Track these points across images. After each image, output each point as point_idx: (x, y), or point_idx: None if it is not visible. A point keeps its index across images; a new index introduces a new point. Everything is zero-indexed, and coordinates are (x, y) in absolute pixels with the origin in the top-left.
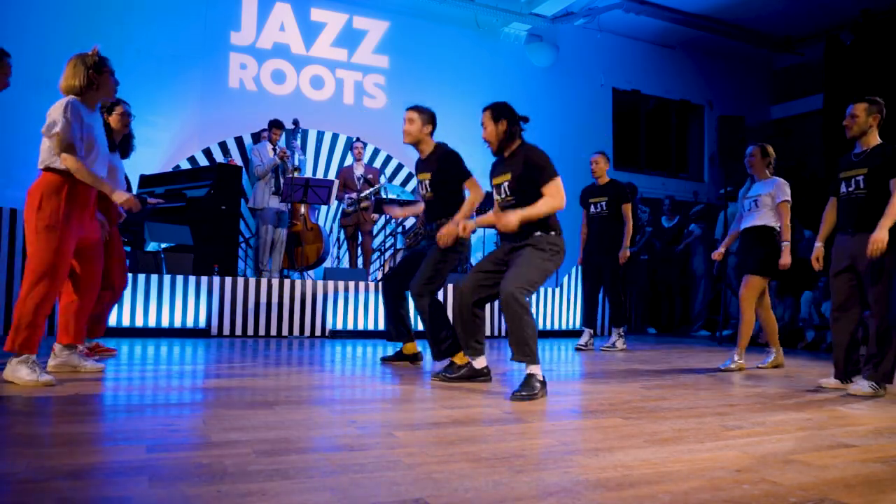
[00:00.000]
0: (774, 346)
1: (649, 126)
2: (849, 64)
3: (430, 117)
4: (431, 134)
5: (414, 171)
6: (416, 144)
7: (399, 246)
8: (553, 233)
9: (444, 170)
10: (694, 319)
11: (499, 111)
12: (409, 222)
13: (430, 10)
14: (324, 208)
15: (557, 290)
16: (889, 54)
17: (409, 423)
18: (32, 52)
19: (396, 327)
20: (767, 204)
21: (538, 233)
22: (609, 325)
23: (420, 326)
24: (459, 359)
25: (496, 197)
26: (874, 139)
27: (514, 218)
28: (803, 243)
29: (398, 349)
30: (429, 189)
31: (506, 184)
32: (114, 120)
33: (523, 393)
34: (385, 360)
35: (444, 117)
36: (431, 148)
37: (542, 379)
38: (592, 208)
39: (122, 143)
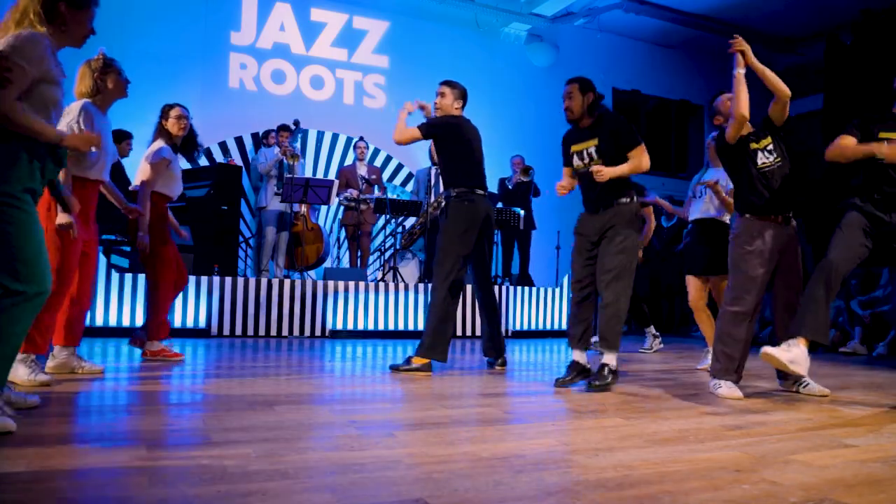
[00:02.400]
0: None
1: (649, 126)
2: (849, 64)
3: (460, 93)
4: (461, 109)
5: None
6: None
7: (398, 246)
8: (636, 199)
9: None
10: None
11: (586, 85)
12: (409, 222)
13: (430, 10)
14: (324, 208)
15: (558, 290)
16: (889, 54)
17: (409, 423)
18: None
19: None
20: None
21: (624, 199)
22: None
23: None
24: (418, 360)
25: (577, 163)
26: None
27: (607, 171)
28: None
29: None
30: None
31: (592, 148)
32: (171, 124)
33: (596, 383)
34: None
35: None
36: None
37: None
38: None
39: (186, 145)
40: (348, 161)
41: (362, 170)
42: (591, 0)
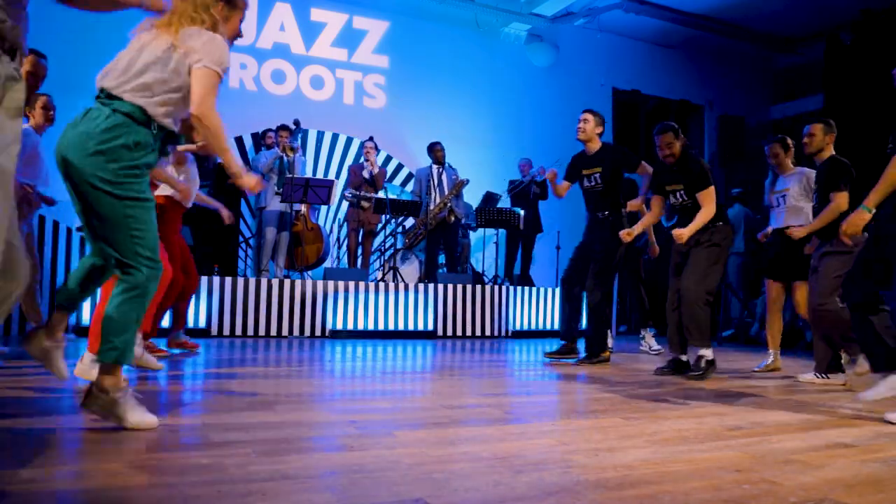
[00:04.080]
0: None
1: (649, 126)
2: (849, 64)
3: (601, 120)
4: (601, 135)
5: (570, 167)
6: (586, 142)
7: (398, 246)
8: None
9: (615, 164)
10: None
11: (678, 131)
12: (409, 222)
13: (430, 10)
14: (324, 208)
15: (558, 290)
16: (889, 54)
17: (409, 423)
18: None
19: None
20: (795, 198)
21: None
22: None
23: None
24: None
25: (673, 201)
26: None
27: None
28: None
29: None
30: (598, 182)
31: (680, 192)
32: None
33: (693, 373)
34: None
35: (444, 117)
36: (598, 146)
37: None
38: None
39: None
40: (349, 161)
41: (374, 170)
42: (591, 0)
